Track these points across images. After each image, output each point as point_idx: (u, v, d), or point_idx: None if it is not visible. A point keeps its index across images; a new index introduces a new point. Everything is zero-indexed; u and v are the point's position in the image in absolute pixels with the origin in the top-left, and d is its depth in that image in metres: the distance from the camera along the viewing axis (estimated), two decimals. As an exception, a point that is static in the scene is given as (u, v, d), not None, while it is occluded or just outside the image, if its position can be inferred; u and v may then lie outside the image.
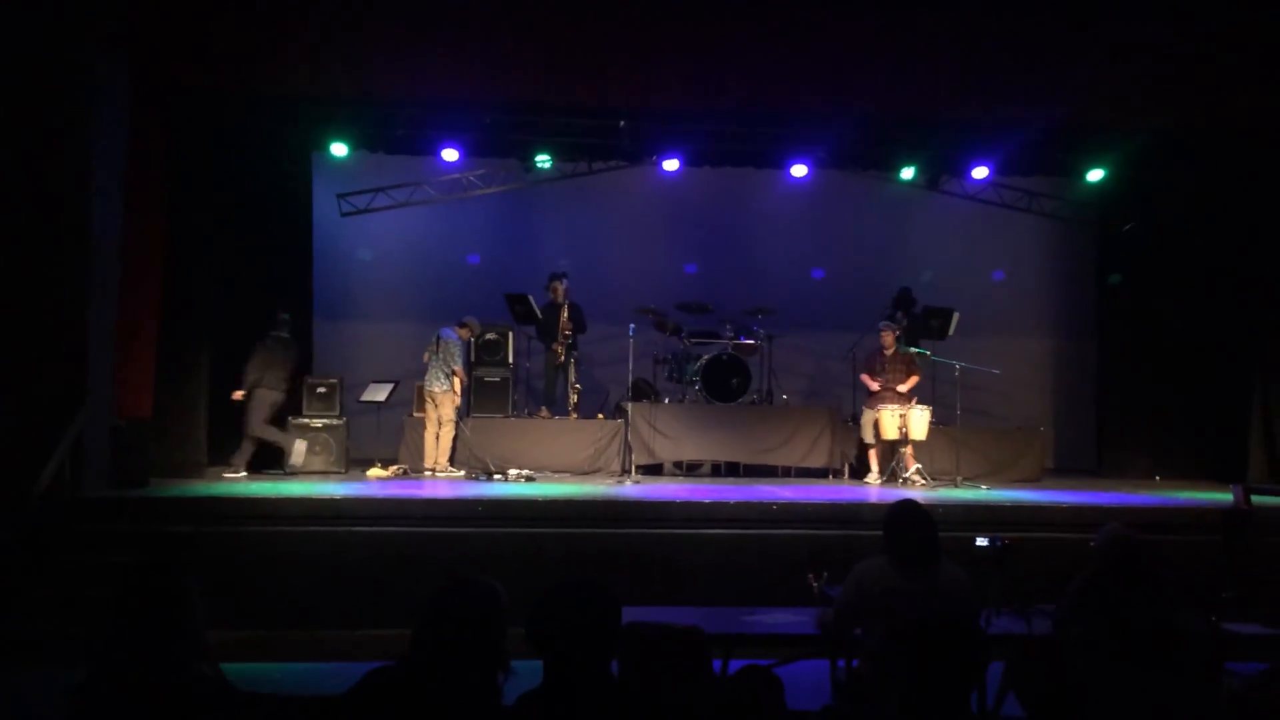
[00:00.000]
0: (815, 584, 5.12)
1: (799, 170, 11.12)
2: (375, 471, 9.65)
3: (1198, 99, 9.00)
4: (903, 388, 9.87)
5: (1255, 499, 7.70)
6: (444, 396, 9.67)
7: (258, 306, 10.28)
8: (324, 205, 11.20)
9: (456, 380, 9.73)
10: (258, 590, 6.90)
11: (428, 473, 9.64)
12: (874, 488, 9.66)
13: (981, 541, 4.91)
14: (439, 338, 9.82)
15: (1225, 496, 8.21)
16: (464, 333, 10.02)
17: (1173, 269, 11.10)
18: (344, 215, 11.31)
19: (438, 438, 9.69)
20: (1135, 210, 11.29)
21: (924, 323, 10.71)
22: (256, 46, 8.49)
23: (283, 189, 10.64)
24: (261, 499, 7.78)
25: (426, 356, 9.83)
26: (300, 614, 6.91)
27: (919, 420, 9.72)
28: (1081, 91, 9.02)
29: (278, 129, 10.19)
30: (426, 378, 9.76)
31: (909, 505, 4.33)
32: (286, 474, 9.52)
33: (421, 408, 10.02)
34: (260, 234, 10.40)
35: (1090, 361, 12.27)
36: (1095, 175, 11.05)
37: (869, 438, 9.99)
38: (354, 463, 9.96)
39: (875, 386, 9.95)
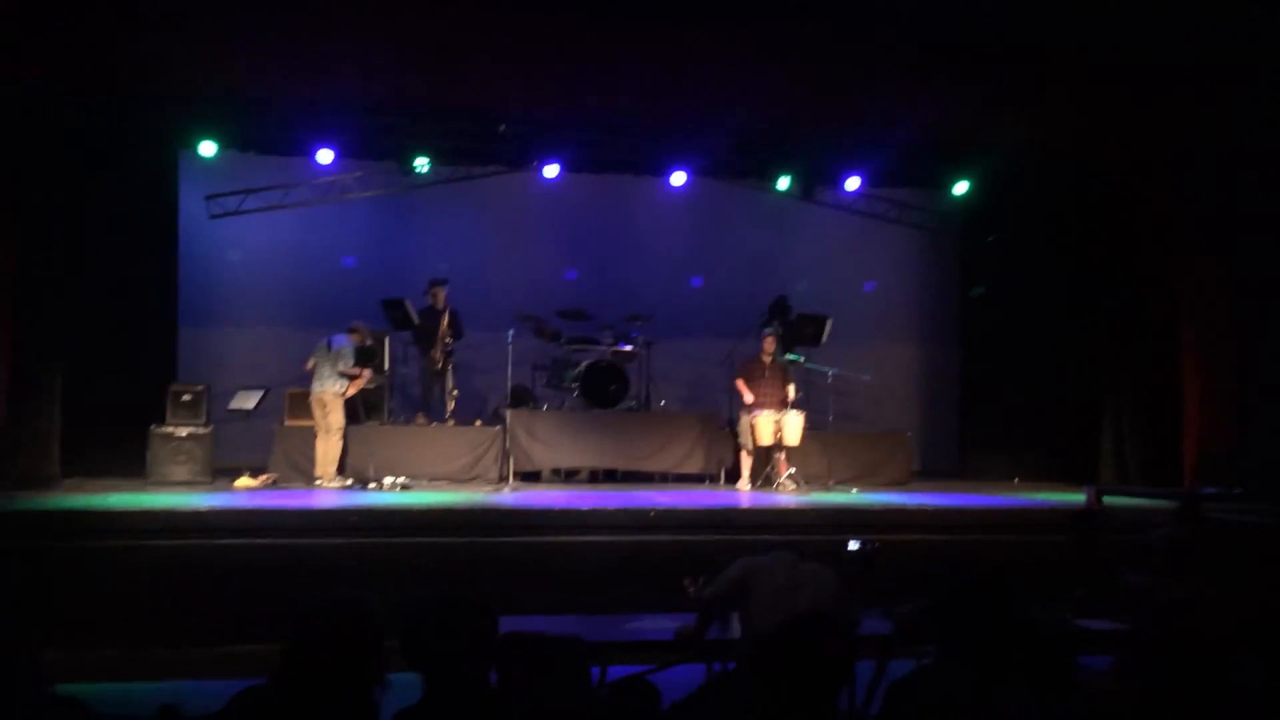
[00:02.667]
0: (691, 589, 5.19)
1: (678, 178, 11.23)
2: (244, 481, 9.36)
3: (1050, 121, 9.45)
4: (790, 396, 10.04)
5: (1106, 499, 8.12)
6: (336, 401, 9.46)
7: (119, 311, 9.89)
8: (192, 207, 10.78)
9: (360, 381, 9.64)
10: (119, 607, 6.63)
11: (318, 482, 9.40)
12: (748, 493, 9.81)
13: (853, 545, 5.05)
14: (329, 343, 9.61)
15: (1078, 497, 8.63)
16: (355, 338, 9.83)
17: (1032, 280, 11.62)
18: (213, 217, 10.93)
19: (324, 465, 9.46)
20: (997, 223, 11.78)
21: (799, 329, 10.96)
22: (112, 43, 8.10)
23: (146, 190, 10.20)
24: (121, 512, 7.46)
25: (312, 363, 9.59)
26: (164, 631, 6.65)
27: (793, 426, 9.92)
28: (943, 109, 9.38)
29: (140, 128, 9.77)
30: (315, 384, 9.51)
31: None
32: (149, 484, 9.16)
33: (298, 415, 9.77)
34: (122, 237, 9.96)
35: (954, 368, 12.73)
36: (960, 188, 11.47)
37: (748, 443, 10.14)
38: (220, 472, 9.64)
39: (749, 398, 10.10)
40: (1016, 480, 11.22)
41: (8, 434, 8.35)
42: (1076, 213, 11.33)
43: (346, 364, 9.58)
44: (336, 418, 9.47)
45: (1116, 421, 10.97)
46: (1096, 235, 11.24)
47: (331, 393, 9.46)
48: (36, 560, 6.58)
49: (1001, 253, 11.76)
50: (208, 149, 10.22)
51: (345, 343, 9.68)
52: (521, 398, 10.78)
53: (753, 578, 4.27)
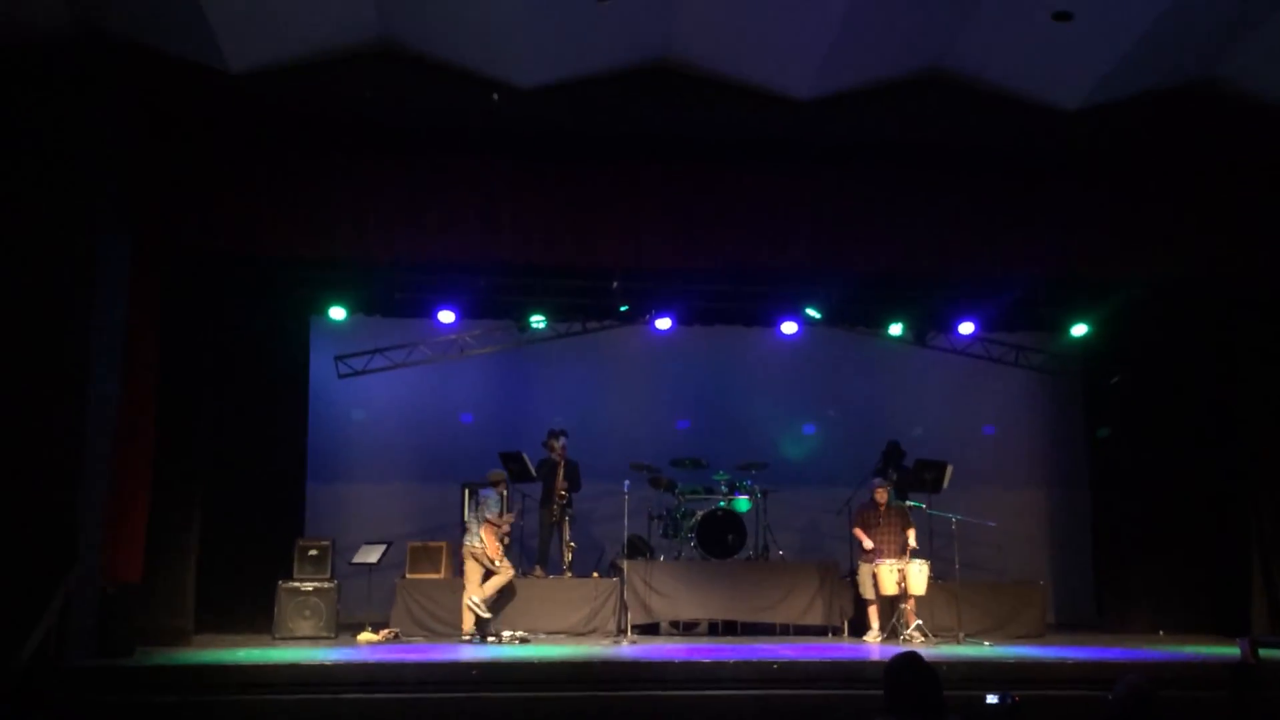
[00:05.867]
0: (821, 746, 5.00)
1: (789, 327, 11.34)
2: (366, 636, 9.43)
3: (1173, 252, 9.31)
4: (910, 543, 9.78)
5: (1263, 652, 7.58)
6: (494, 548, 9.53)
7: (251, 468, 10.27)
8: (321, 365, 11.30)
9: (494, 527, 9.57)
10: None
11: (466, 638, 9.29)
12: (874, 645, 9.47)
13: (992, 699, 4.82)
14: (477, 497, 9.70)
15: (1231, 650, 8.09)
16: (498, 488, 9.86)
17: (1162, 418, 11.21)
18: (341, 377, 11.41)
19: (481, 587, 9.44)
20: (1120, 361, 11.48)
21: (917, 476, 10.73)
22: (258, 211, 8.73)
23: (280, 350, 10.77)
24: (249, 666, 7.60)
25: (467, 516, 9.72)
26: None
27: (918, 575, 9.62)
28: (1058, 250, 9.35)
29: (277, 291, 10.39)
30: (468, 538, 9.54)
31: (910, 657, 4.28)
32: (276, 638, 9.32)
33: (420, 568, 9.85)
34: (256, 394, 10.45)
35: (1085, 513, 12.23)
36: (1079, 330, 11.28)
37: (868, 594, 9.85)
38: (344, 627, 9.76)
39: (869, 545, 9.89)
40: (1161, 632, 10.59)
41: (145, 588, 8.60)
42: (1205, 344, 10.99)
43: (494, 514, 9.63)
44: (502, 562, 9.50)
45: (1266, 566, 10.33)
46: (1231, 369, 10.85)
47: (479, 546, 9.50)
48: (171, 715, 6.69)
49: (1127, 391, 11.41)
50: (338, 314, 10.77)
51: (490, 494, 9.76)
52: (638, 548, 10.72)
53: None
